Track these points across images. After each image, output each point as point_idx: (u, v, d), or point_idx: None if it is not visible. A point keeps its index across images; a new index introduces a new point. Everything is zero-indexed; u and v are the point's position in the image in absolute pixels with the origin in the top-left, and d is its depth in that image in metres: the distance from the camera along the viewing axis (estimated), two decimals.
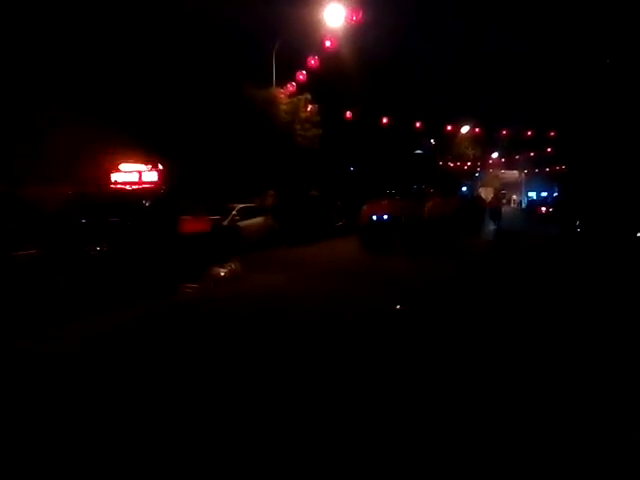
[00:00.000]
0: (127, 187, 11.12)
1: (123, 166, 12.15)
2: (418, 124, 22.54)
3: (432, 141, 26.30)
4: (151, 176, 12.27)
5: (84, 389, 4.24)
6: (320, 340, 5.51)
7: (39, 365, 4.98)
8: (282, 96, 15.97)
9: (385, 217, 13.45)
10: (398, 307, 6.89)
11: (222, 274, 9.70)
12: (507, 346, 5.18)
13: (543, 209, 26.74)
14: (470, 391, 4.03)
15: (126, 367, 4.81)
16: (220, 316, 6.77)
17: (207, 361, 4.87)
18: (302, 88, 16.12)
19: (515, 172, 35.49)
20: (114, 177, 11.84)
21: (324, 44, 14.67)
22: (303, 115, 16.76)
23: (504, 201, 30.88)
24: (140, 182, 11.77)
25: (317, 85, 16.21)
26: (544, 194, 29.54)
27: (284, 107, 16.30)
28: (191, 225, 11.15)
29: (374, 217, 13.43)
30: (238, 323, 6.37)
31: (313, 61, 14.87)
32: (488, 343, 5.33)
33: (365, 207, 13.94)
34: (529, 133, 27.33)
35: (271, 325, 6.18)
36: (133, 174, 12.02)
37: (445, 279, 9.17)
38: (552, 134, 27.23)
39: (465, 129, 26.22)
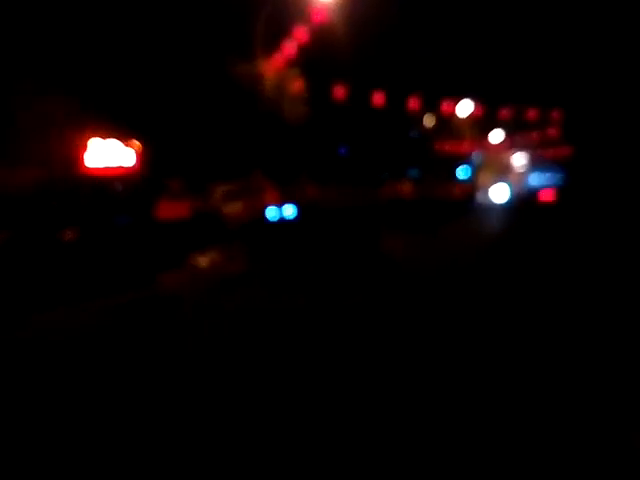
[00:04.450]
0: (101, 168, 10.95)
1: (96, 144, 11.90)
2: (414, 103, 22.38)
3: (430, 120, 26.15)
4: (128, 154, 12.05)
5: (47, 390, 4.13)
6: (308, 333, 5.44)
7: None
8: (268, 70, 15.78)
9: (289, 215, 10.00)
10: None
11: (203, 263, 9.60)
12: None
13: (545, 195, 26.54)
14: None
15: (96, 364, 4.73)
16: (199, 309, 6.68)
17: (182, 359, 4.79)
18: (290, 62, 15.92)
19: (518, 154, 35.48)
20: (87, 157, 11.62)
21: (313, 15, 14.50)
22: (291, 91, 16.59)
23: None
24: (115, 164, 11.54)
25: (306, 59, 16.00)
26: (547, 178, 29.47)
27: (270, 82, 16.12)
28: (170, 210, 11.03)
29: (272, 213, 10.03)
30: (218, 317, 6.28)
31: (301, 33, 14.68)
32: None
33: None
34: (532, 113, 27.25)
35: (254, 320, 6.08)
36: (107, 154, 11.78)
37: None
38: (556, 115, 27.17)
39: (464, 108, 26.08)
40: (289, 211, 10.21)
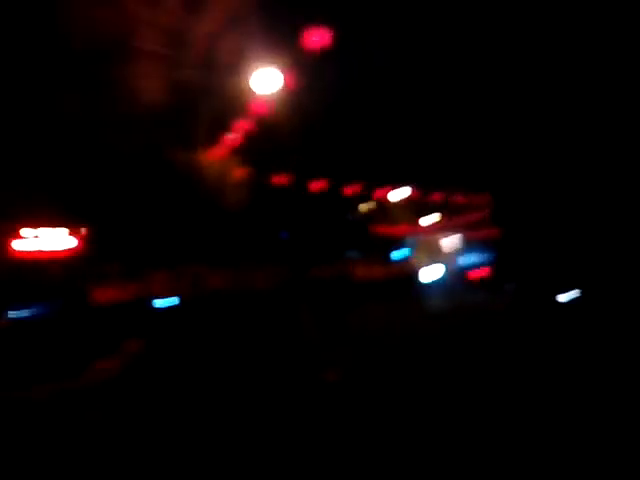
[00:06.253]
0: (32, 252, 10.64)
1: (30, 229, 11.60)
2: (352, 189, 23.44)
3: (366, 205, 27.25)
4: (64, 239, 11.77)
5: None
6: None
7: None
8: (210, 159, 16.22)
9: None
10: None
11: (140, 349, 9.33)
12: None
13: (474, 275, 27.15)
14: None
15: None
16: (135, 402, 6.45)
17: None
18: (232, 152, 16.45)
19: (449, 236, 37.10)
20: (18, 242, 11.28)
21: (254, 108, 15.21)
22: (232, 179, 17.00)
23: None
24: (49, 248, 11.27)
25: (248, 148, 16.58)
26: (475, 259, 30.43)
27: (212, 170, 16.49)
28: (107, 294, 10.80)
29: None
30: (155, 412, 6.08)
31: (242, 124, 15.34)
32: None
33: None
34: (461, 198, 28.88)
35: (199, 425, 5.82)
36: (41, 239, 11.44)
37: None
38: (483, 199, 28.88)
39: (398, 194, 27.40)
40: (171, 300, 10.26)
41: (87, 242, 12.15)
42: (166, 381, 7.42)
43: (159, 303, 11.10)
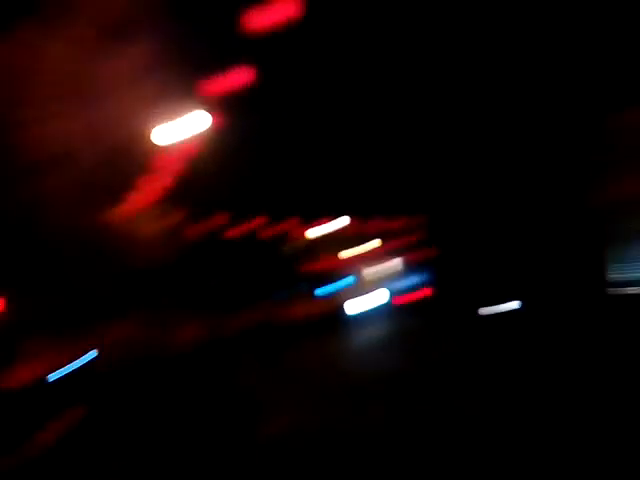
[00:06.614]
0: None
1: None
2: (281, 227, 23.38)
3: (298, 241, 27.21)
4: None
5: None
6: None
7: None
8: (127, 210, 15.71)
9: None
10: None
11: (77, 417, 8.83)
12: None
13: (414, 297, 26.92)
14: None
15: None
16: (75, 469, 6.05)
17: None
18: (147, 206, 16.03)
19: (394, 261, 37.19)
20: None
21: (175, 154, 14.96)
22: (164, 226, 16.55)
23: None
24: None
25: (170, 196, 16.20)
26: (415, 281, 30.35)
27: (144, 220, 16.00)
28: (27, 373, 10.20)
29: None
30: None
31: (162, 174, 15.04)
32: None
33: None
34: (398, 223, 29.26)
35: None
36: None
37: None
38: (419, 221, 29.35)
39: (331, 225, 27.51)
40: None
41: (7, 311, 11.44)
42: (103, 447, 7.06)
43: (78, 369, 10.54)
